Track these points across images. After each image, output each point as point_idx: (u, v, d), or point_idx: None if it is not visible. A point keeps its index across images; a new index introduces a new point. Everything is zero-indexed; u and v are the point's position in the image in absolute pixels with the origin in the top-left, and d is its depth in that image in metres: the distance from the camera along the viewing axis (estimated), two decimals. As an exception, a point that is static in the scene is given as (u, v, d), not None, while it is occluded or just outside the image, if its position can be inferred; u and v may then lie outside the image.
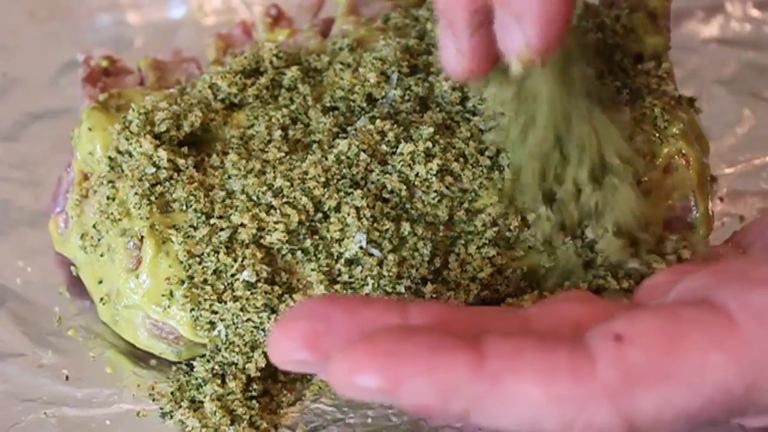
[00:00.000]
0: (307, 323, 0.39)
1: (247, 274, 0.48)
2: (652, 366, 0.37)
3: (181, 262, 0.48)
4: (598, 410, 0.37)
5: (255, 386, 0.49)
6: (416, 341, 0.38)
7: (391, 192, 0.49)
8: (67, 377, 0.51)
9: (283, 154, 0.50)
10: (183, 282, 0.48)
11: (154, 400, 0.50)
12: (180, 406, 0.49)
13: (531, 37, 0.43)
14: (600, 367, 0.38)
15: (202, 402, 0.49)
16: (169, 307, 0.49)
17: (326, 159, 0.49)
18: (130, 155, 0.50)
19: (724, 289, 0.39)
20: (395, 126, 0.50)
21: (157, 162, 0.50)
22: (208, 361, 0.49)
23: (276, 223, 0.48)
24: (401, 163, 0.49)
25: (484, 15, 0.44)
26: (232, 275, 0.48)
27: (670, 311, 0.39)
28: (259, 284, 0.48)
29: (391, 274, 0.47)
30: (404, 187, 0.49)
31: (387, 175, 0.49)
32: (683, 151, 0.51)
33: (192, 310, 0.48)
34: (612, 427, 0.38)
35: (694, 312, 0.39)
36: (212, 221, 0.49)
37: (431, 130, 0.50)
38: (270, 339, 0.39)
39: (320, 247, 0.48)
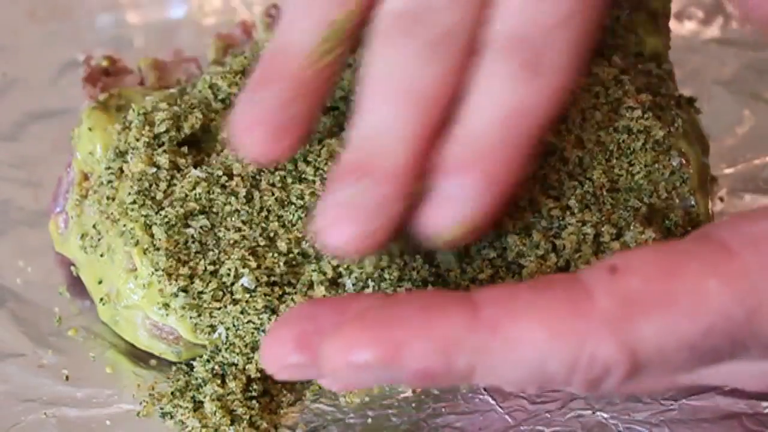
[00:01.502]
0: (296, 325, 0.39)
1: (246, 281, 0.47)
2: (650, 294, 0.37)
3: (182, 264, 0.49)
4: (600, 343, 0.37)
5: (255, 386, 0.49)
6: (406, 305, 0.37)
7: None
8: (67, 377, 0.51)
9: (283, 154, 0.50)
10: (183, 283, 0.48)
11: (154, 399, 0.50)
12: (180, 407, 0.49)
13: (473, 212, 0.41)
14: (598, 299, 0.37)
15: (202, 402, 0.49)
16: (168, 308, 0.48)
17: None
18: (131, 155, 0.50)
19: (719, 225, 0.40)
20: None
21: (157, 162, 0.50)
22: (208, 361, 0.49)
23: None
24: None
25: None
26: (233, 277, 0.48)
27: (665, 244, 0.39)
28: (259, 288, 0.48)
29: (392, 277, 0.47)
30: None
31: None
32: (683, 151, 0.51)
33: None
34: (616, 360, 0.37)
35: (689, 244, 0.39)
36: (212, 221, 0.49)
37: None
38: (262, 348, 0.39)
39: (322, 252, 0.48)
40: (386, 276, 0.47)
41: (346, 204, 0.41)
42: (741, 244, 0.38)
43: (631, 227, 0.49)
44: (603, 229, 0.48)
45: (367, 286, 0.47)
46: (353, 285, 0.48)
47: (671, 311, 0.37)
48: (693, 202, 0.51)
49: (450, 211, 0.42)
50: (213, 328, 0.48)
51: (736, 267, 0.38)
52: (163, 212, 0.49)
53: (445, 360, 0.37)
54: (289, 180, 0.49)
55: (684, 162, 0.51)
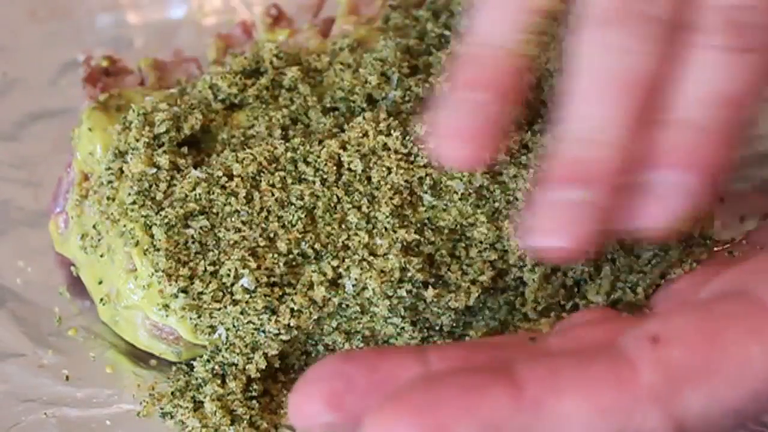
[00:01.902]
0: (326, 384, 0.38)
1: (246, 281, 0.47)
2: (693, 364, 0.37)
3: (181, 264, 0.49)
4: (647, 416, 0.37)
5: (255, 386, 0.49)
6: (448, 385, 0.37)
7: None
8: (67, 377, 0.51)
9: (283, 154, 0.50)
10: (183, 284, 0.48)
11: (154, 399, 0.50)
12: (180, 406, 0.49)
13: (691, 203, 0.41)
14: (642, 372, 0.37)
15: (202, 402, 0.49)
16: (168, 309, 0.48)
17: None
18: (131, 156, 0.50)
19: (757, 282, 0.39)
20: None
21: (157, 162, 0.50)
22: (208, 361, 0.49)
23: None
24: None
25: None
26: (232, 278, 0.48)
27: (704, 307, 0.39)
28: (259, 289, 0.48)
29: (393, 279, 0.47)
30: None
31: None
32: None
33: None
34: (667, 428, 0.37)
35: (728, 306, 0.39)
36: (212, 222, 0.49)
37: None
38: (290, 405, 0.38)
39: (322, 253, 0.48)
40: (387, 277, 0.47)
41: (564, 209, 0.40)
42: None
43: (643, 245, 0.48)
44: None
45: (367, 288, 0.47)
46: (353, 286, 0.48)
47: (716, 380, 0.37)
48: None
49: (669, 205, 0.41)
50: (213, 328, 0.48)
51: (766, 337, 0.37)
52: (163, 213, 0.49)
53: None
54: (289, 180, 0.49)
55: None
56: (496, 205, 0.49)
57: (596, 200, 0.40)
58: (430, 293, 0.47)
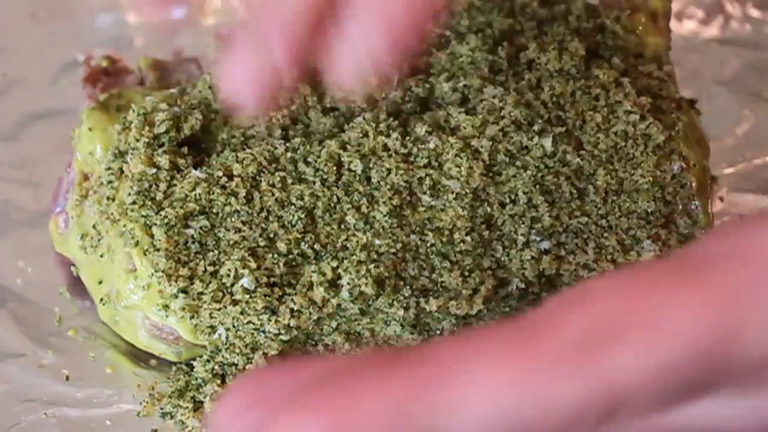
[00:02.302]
0: (248, 391, 0.36)
1: (246, 281, 0.47)
2: (614, 317, 0.34)
3: (181, 264, 0.49)
4: (568, 382, 0.33)
5: (255, 386, 0.49)
6: (355, 373, 0.34)
7: None
8: (67, 377, 0.51)
9: (283, 154, 0.50)
10: (183, 284, 0.48)
11: (154, 399, 0.50)
12: (180, 407, 0.49)
13: (375, 56, 0.40)
14: (558, 333, 0.34)
15: (202, 402, 0.49)
16: (168, 309, 0.48)
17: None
18: (131, 156, 0.50)
19: (694, 245, 0.38)
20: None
21: (157, 162, 0.50)
22: (208, 361, 0.49)
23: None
24: None
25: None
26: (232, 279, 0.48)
27: (633, 269, 0.36)
28: (259, 289, 0.47)
29: (391, 284, 0.47)
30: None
31: None
32: (684, 155, 0.51)
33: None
34: (593, 395, 0.33)
35: (652, 263, 0.36)
36: (212, 222, 0.49)
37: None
38: (212, 415, 0.37)
39: (322, 253, 0.48)
40: (386, 285, 0.47)
41: (243, 66, 0.41)
42: (702, 260, 0.35)
43: (644, 245, 0.48)
44: (608, 243, 0.48)
45: (359, 285, 0.47)
46: (348, 284, 0.47)
47: (641, 333, 0.34)
48: (693, 204, 0.51)
49: (352, 61, 0.40)
50: (213, 328, 0.48)
51: (703, 290, 0.35)
52: (162, 213, 0.49)
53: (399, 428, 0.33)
54: (289, 180, 0.49)
55: (684, 166, 0.51)
56: (489, 210, 0.49)
57: (273, 60, 0.41)
58: (432, 305, 0.47)
